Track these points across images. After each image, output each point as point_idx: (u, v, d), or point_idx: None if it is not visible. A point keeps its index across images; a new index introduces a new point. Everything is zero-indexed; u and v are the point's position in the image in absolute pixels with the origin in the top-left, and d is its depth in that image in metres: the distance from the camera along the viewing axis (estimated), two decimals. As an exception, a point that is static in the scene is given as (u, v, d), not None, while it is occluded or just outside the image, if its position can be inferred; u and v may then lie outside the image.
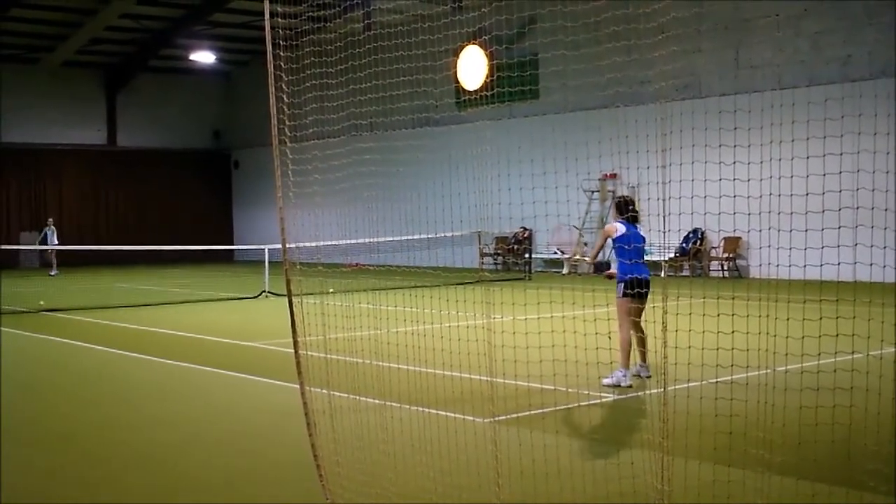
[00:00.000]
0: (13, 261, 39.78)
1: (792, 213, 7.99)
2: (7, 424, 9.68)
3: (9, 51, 40.15)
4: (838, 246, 7.50)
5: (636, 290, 11.06)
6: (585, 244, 26.07)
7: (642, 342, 11.32)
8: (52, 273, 35.43)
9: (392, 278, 21.58)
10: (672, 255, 28.16)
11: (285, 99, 7.17)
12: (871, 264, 7.82)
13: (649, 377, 11.12)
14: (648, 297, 11.28)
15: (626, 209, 11.45)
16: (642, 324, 11.28)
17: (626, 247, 11.14)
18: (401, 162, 27.83)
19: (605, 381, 10.81)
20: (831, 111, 9.56)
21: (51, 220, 37.53)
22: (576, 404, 10.04)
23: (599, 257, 12.16)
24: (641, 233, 11.46)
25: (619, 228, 11.36)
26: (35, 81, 42.47)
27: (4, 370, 12.99)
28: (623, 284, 11.23)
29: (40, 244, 36.70)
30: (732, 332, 7.91)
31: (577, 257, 12.24)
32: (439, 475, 7.13)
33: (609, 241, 11.53)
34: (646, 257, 11.62)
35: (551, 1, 11.34)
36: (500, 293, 18.67)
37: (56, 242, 35.77)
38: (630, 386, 10.95)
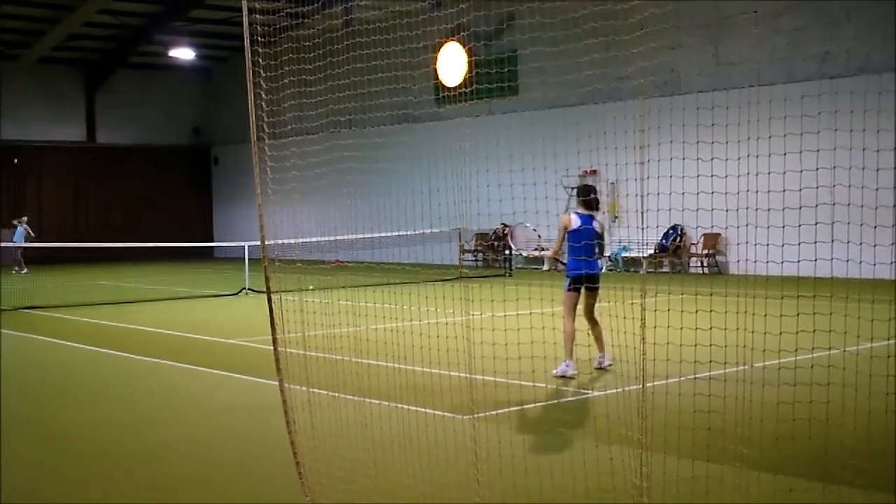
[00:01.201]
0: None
1: (770, 210, 8.03)
2: (-15, 423, 9.64)
3: (-14, 47, 40.00)
4: (815, 242, 7.53)
5: (583, 285, 11.23)
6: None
7: (599, 335, 11.40)
8: (21, 271, 35.14)
9: (371, 275, 21.57)
10: (651, 251, 28.24)
11: (264, 95, 7.16)
12: (847, 260, 7.87)
13: (611, 365, 11.19)
14: (598, 291, 11.44)
15: (586, 195, 11.55)
16: (597, 316, 11.38)
17: (578, 242, 11.17)
18: (380, 159, 27.76)
19: (554, 371, 10.97)
20: (808, 108, 9.61)
21: (25, 217, 37.21)
22: (555, 401, 10.06)
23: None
24: (596, 226, 11.47)
25: (574, 221, 11.36)
26: (12, 78, 42.21)
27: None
28: (569, 280, 11.36)
29: (14, 240, 36.39)
30: (711, 328, 7.95)
31: (537, 254, 12.14)
32: (418, 472, 7.13)
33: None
34: (601, 251, 11.62)
35: (530, -3, 11.33)
36: (480, 290, 18.67)
37: (22, 241, 35.56)
38: (574, 376, 11.09)
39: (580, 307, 11.35)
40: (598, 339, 11.38)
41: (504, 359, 9.05)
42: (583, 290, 11.32)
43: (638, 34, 6.43)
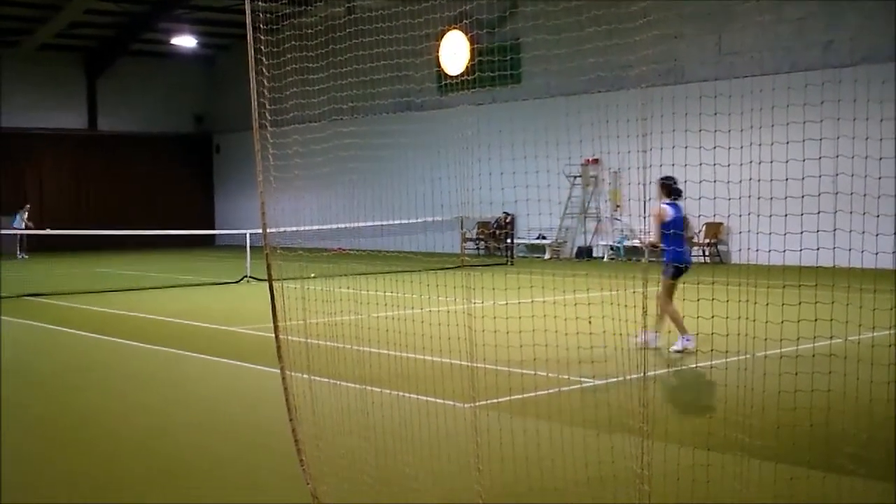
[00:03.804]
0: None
1: (772, 198, 8.01)
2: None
3: (-12, 34, 39.95)
4: (817, 231, 7.52)
5: (683, 272, 11.79)
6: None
7: (667, 312, 11.81)
8: (21, 256, 35.45)
9: (373, 263, 21.59)
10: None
11: (266, 83, 7.14)
12: (849, 249, 7.86)
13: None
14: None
15: (672, 189, 11.94)
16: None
17: (674, 230, 11.83)
18: (382, 147, 27.77)
19: (674, 347, 11.39)
20: (812, 97, 9.60)
21: (28, 205, 37.37)
22: (556, 389, 10.06)
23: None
24: (683, 212, 12.08)
25: (668, 213, 11.92)
26: (13, 65, 42.20)
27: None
28: (673, 268, 11.87)
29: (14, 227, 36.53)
30: (712, 317, 7.95)
31: (642, 243, 12.87)
32: (419, 460, 7.15)
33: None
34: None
35: (533, -15, 11.32)
36: (482, 278, 18.67)
37: (22, 227, 35.83)
38: (695, 349, 11.48)
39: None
40: (662, 319, 11.80)
41: (505, 347, 9.06)
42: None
43: (641, 22, 6.41)
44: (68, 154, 44.26)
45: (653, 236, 12.15)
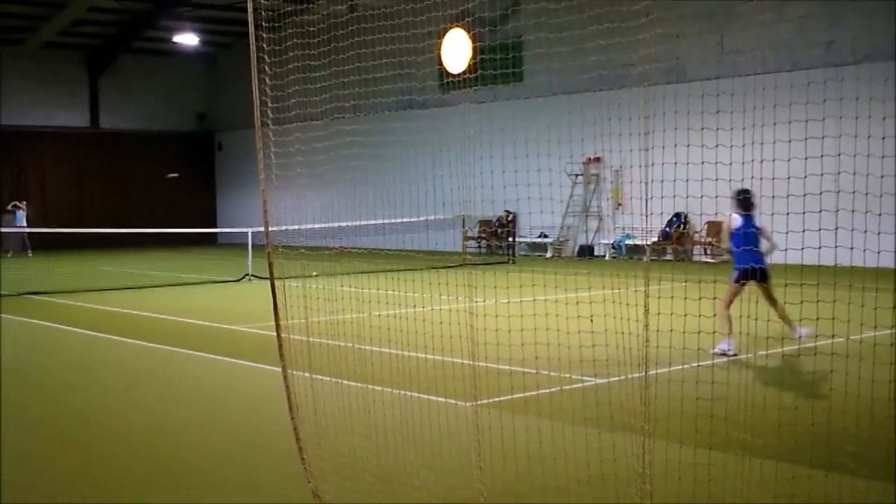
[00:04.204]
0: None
1: (774, 197, 8.00)
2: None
3: (-10, 32, 39.97)
4: (819, 230, 7.51)
5: (749, 279, 11.84)
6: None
7: (783, 315, 11.82)
8: (9, 255, 35.55)
9: (375, 261, 21.62)
10: (655, 239, 28.21)
11: (268, 81, 7.14)
12: (851, 248, 7.85)
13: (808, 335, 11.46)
14: (770, 279, 11.98)
15: (741, 201, 12.20)
16: (775, 295, 11.87)
17: (741, 240, 12.04)
18: (384, 145, 27.73)
19: (716, 350, 11.39)
20: (814, 95, 9.59)
21: (24, 202, 37.45)
22: (558, 388, 10.06)
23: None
24: (756, 222, 12.26)
25: (736, 221, 12.22)
26: (17, 63, 42.20)
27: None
28: (738, 272, 12.04)
29: (15, 225, 36.57)
30: (714, 315, 7.95)
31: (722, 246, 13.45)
32: (421, 458, 7.14)
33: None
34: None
35: (535, -17, 11.31)
36: (483, 277, 18.67)
37: (24, 224, 35.94)
38: (736, 354, 11.43)
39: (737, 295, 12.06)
40: (784, 317, 11.82)
41: (507, 345, 9.06)
42: (757, 282, 11.97)
43: (642, 21, 6.41)
44: (70, 152, 44.23)
45: (723, 243, 12.72)
